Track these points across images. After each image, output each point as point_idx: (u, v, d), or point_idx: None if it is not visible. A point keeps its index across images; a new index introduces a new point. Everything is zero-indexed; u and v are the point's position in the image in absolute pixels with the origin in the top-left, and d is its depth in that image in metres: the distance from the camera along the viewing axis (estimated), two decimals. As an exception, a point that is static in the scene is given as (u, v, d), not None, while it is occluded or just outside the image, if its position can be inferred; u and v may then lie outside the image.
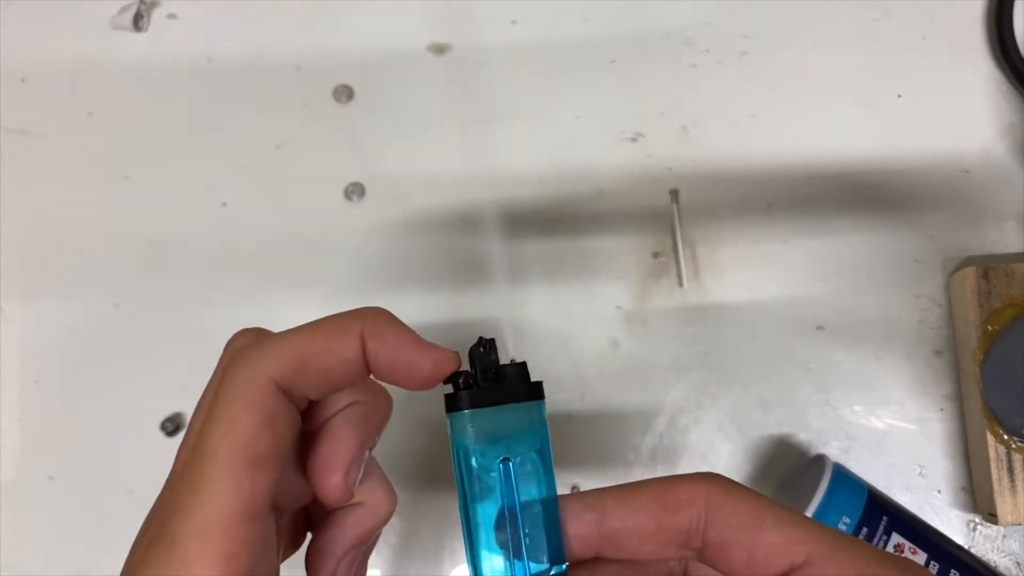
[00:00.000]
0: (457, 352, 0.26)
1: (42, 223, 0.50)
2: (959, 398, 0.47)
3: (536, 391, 0.26)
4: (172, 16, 0.52)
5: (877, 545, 0.41)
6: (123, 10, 0.52)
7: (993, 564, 0.46)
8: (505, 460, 0.25)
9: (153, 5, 0.52)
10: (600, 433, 0.47)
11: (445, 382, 0.26)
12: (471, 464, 0.25)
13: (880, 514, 0.42)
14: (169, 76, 0.51)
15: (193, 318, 0.49)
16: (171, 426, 0.48)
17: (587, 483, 0.47)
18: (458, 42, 0.51)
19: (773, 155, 0.50)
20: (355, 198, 0.50)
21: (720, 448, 0.47)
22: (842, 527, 0.41)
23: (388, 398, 0.29)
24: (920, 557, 0.42)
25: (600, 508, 0.24)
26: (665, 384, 0.48)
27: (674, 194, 0.49)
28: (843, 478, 0.43)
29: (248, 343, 0.26)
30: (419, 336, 0.26)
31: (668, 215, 0.49)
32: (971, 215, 0.49)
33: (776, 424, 0.47)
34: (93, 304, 0.49)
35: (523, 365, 0.26)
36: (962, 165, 0.49)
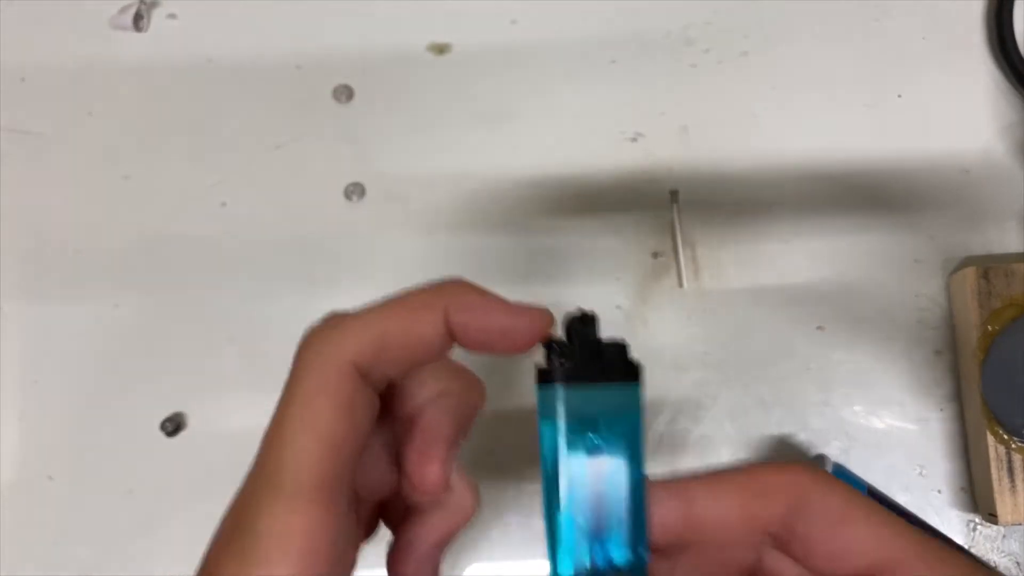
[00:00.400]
0: (550, 310, 0.25)
1: (41, 223, 0.50)
2: (959, 398, 0.47)
3: (635, 373, 0.25)
4: (172, 16, 0.52)
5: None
6: (123, 10, 0.51)
7: (993, 564, 0.46)
8: (595, 441, 0.24)
9: (153, 5, 0.52)
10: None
11: (546, 343, 0.25)
12: (559, 442, 0.24)
13: (880, 514, 0.42)
14: (169, 76, 0.51)
15: (193, 318, 0.49)
16: (171, 426, 0.48)
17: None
18: (458, 42, 0.51)
19: (773, 155, 0.50)
20: (355, 198, 0.50)
21: (720, 448, 0.47)
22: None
23: (481, 389, 0.28)
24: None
25: (686, 496, 0.23)
26: (665, 384, 0.48)
27: (674, 194, 0.49)
28: (843, 478, 0.43)
29: (325, 322, 0.24)
30: (505, 299, 0.25)
31: (668, 215, 0.49)
32: (971, 215, 0.49)
33: (776, 424, 0.47)
34: (93, 304, 0.49)
35: (623, 345, 0.25)
36: (962, 165, 0.49)
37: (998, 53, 0.50)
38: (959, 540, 0.46)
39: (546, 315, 0.24)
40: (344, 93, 0.51)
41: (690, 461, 0.47)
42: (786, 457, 0.47)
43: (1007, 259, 0.48)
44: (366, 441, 0.24)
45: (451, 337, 0.24)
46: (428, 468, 0.25)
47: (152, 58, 0.51)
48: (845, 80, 0.50)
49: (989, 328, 0.45)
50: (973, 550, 0.46)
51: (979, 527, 0.47)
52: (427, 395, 0.26)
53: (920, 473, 0.47)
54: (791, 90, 0.50)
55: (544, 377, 0.24)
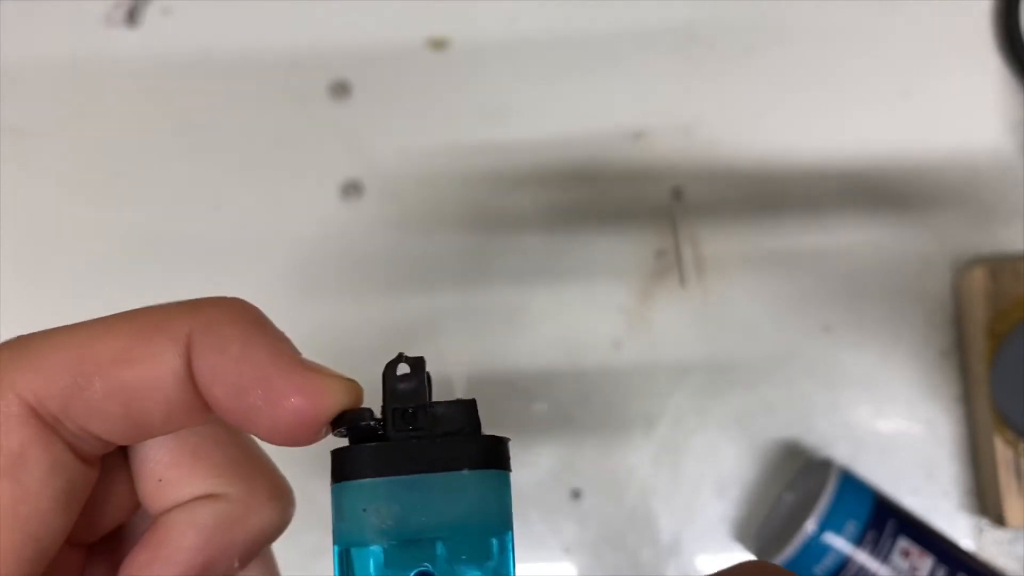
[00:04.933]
0: (354, 381, 0.16)
1: (35, 221, 0.50)
2: (967, 400, 0.47)
3: (492, 453, 0.16)
4: (166, 12, 0.51)
5: (885, 549, 0.41)
6: (117, 5, 0.51)
7: (1001, 568, 0.46)
8: (424, 575, 0.15)
9: (147, 0, 0.52)
10: (602, 435, 0.47)
11: (335, 430, 0.16)
12: None
13: (887, 518, 0.42)
14: (164, 72, 0.51)
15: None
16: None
17: (588, 488, 0.46)
18: (457, 37, 0.51)
19: (778, 153, 0.49)
20: (352, 196, 0.49)
21: (725, 451, 0.47)
22: (849, 531, 0.41)
23: (279, 503, 0.18)
24: (927, 561, 0.42)
25: None
26: (668, 386, 0.47)
27: (676, 192, 0.48)
28: (850, 482, 0.43)
29: (1, 346, 0.16)
30: (290, 347, 0.16)
31: (671, 214, 0.49)
32: (979, 214, 0.49)
33: (782, 427, 0.47)
34: (86, 302, 0.48)
35: (471, 405, 0.16)
36: (970, 163, 0.49)
37: (1006, 51, 0.50)
38: (967, 544, 0.45)
39: (344, 389, 0.16)
40: (341, 89, 0.50)
41: (693, 465, 0.46)
42: (792, 460, 0.46)
43: (1015, 259, 0.48)
44: (62, 529, 0.16)
45: (195, 387, 0.16)
46: None
47: (146, 54, 0.51)
48: (852, 78, 0.50)
49: (997, 329, 0.45)
50: (981, 554, 0.46)
51: (987, 530, 0.46)
52: (182, 494, 0.17)
53: (927, 476, 0.47)
54: (796, 88, 0.50)
55: (340, 466, 0.16)
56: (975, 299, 0.45)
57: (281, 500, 0.18)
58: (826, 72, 0.50)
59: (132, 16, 0.51)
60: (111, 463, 0.17)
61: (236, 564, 0.17)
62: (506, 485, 0.16)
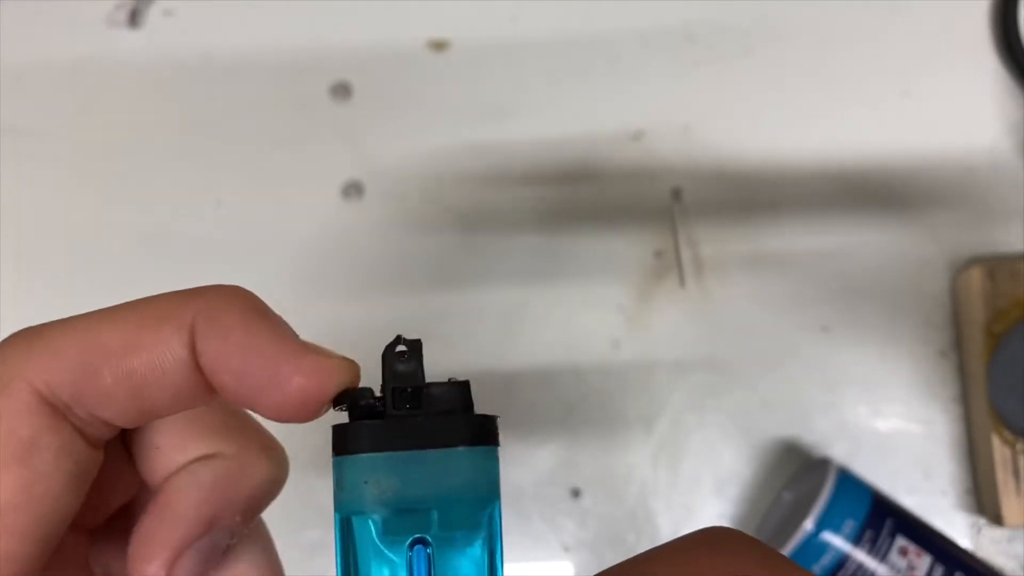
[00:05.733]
0: (353, 361, 0.17)
1: (37, 221, 0.50)
2: (964, 399, 0.47)
3: (484, 430, 0.17)
4: (168, 13, 0.51)
5: (882, 548, 0.41)
6: (119, 6, 0.51)
7: (999, 567, 0.46)
8: (420, 542, 0.16)
9: (149, 1, 0.52)
10: (601, 435, 0.47)
11: (336, 406, 0.17)
12: (365, 544, 0.16)
13: (885, 517, 0.42)
14: (165, 73, 0.51)
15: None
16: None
17: (587, 487, 0.46)
18: (458, 38, 0.51)
19: (777, 154, 0.49)
20: (353, 196, 0.49)
21: (723, 451, 0.47)
22: (847, 530, 0.41)
23: (275, 458, 0.19)
24: (925, 560, 0.42)
25: None
26: (667, 385, 0.47)
27: (675, 193, 0.48)
28: (848, 481, 0.43)
29: (12, 335, 0.17)
30: (289, 330, 0.17)
31: (670, 214, 0.49)
32: (977, 214, 0.49)
33: (780, 426, 0.47)
34: (87, 302, 0.48)
35: (464, 386, 0.17)
36: (968, 164, 0.49)
37: (1004, 52, 0.50)
38: (964, 543, 0.45)
39: (344, 369, 0.17)
40: (342, 90, 0.50)
41: (692, 464, 0.47)
42: (791, 459, 0.47)
43: (1013, 259, 0.48)
44: (67, 507, 0.16)
45: (200, 371, 0.17)
46: (144, 566, 0.17)
47: (148, 55, 0.51)
48: (850, 78, 0.50)
49: (995, 329, 0.45)
50: (978, 553, 0.46)
51: (984, 530, 0.46)
52: (180, 457, 0.18)
53: (925, 475, 0.47)
54: (795, 88, 0.50)
55: (341, 441, 0.16)
56: (973, 299, 0.46)
57: (274, 454, 0.19)
58: (824, 73, 0.50)
59: (134, 17, 0.51)
60: (112, 445, 0.18)
61: (238, 519, 0.18)
62: (495, 459, 0.17)
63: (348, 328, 0.48)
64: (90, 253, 0.49)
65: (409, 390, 0.17)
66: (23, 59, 0.51)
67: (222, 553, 0.18)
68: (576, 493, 0.46)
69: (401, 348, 0.17)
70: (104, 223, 0.49)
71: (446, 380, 0.17)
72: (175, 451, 0.18)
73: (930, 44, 0.50)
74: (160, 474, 0.18)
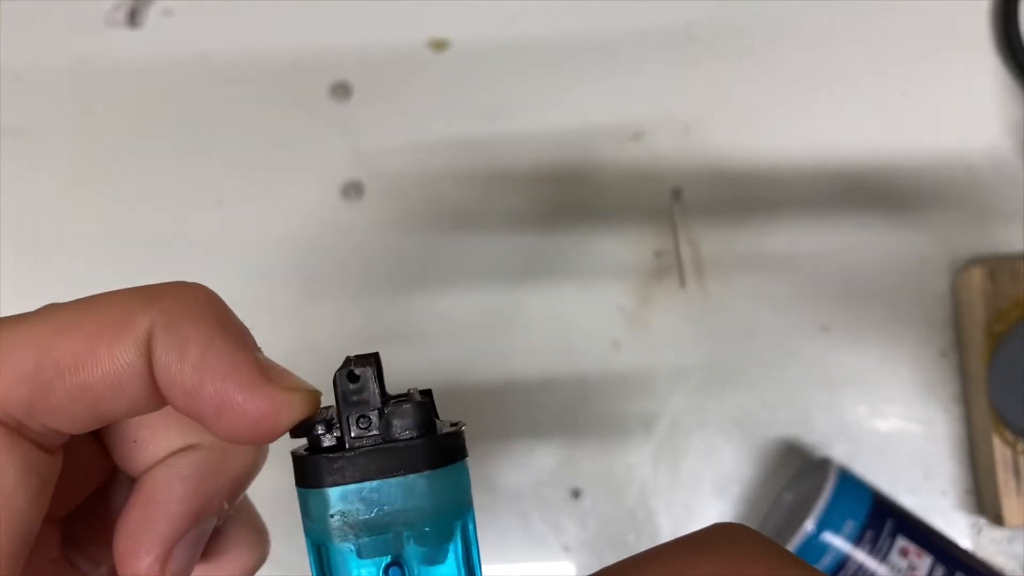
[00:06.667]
0: (313, 391, 0.16)
1: (38, 221, 0.50)
2: (965, 400, 0.47)
3: (448, 449, 0.16)
4: (168, 13, 0.51)
5: (883, 548, 0.41)
6: (118, 6, 0.51)
7: (999, 567, 0.46)
8: (395, 565, 0.16)
9: (148, 1, 0.52)
10: (601, 435, 0.47)
11: (293, 436, 0.16)
12: (339, 569, 0.16)
13: (885, 517, 0.42)
14: (165, 73, 0.51)
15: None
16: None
17: (587, 488, 0.46)
18: (458, 38, 0.51)
19: (777, 153, 0.49)
20: (353, 196, 0.49)
21: (723, 451, 0.47)
22: (848, 531, 0.41)
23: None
24: (926, 560, 0.41)
25: None
26: (667, 386, 0.47)
27: (675, 193, 0.48)
28: (848, 481, 0.43)
29: None
30: (249, 349, 0.16)
31: (670, 214, 0.48)
32: (977, 214, 0.48)
33: (780, 426, 0.47)
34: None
35: (424, 404, 0.16)
36: (968, 163, 0.49)
37: (1004, 52, 0.50)
38: (965, 543, 0.45)
39: (302, 401, 0.16)
40: (342, 90, 0.50)
41: (692, 464, 0.47)
42: (791, 460, 0.46)
43: (1013, 259, 0.48)
44: (38, 517, 0.16)
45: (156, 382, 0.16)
46: (137, 563, 0.17)
47: (147, 55, 0.51)
48: (850, 78, 0.50)
49: (995, 329, 0.45)
50: (979, 553, 0.46)
51: (985, 530, 0.46)
52: (159, 450, 0.18)
53: (925, 475, 0.47)
54: (795, 88, 0.50)
55: (303, 474, 0.16)
56: (973, 299, 0.45)
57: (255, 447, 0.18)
58: (825, 73, 0.50)
59: (133, 17, 0.51)
60: (76, 438, 0.17)
61: (226, 505, 0.18)
62: (463, 471, 0.16)
63: (346, 327, 0.48)
64: (90, 253, 0.49)
65: (367, 415, 0.16)
66: (23, 59, 0.51)
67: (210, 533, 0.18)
68: (576, 493, 0.46)
69: (353, 370, 0.16)
70: (104, 223, 0.49)
71: (406, 392, 0.16)
72: (153, 444, 0.18)
73: (930, 44, 0.50)
74: (140, 467, 0.18)
